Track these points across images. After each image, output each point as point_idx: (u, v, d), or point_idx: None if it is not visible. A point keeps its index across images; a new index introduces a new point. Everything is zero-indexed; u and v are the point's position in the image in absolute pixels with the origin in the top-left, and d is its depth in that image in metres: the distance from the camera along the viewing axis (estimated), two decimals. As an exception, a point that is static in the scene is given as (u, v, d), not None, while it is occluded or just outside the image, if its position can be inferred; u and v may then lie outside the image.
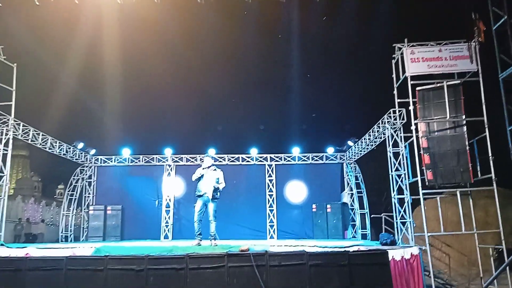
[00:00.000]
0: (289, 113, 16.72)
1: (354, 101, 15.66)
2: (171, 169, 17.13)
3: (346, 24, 12.56)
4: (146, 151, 17.24)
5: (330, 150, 17.05)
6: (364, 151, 15.39)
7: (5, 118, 12.13)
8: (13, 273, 7.64)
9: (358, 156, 16.21)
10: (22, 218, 22.52)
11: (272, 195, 16.90)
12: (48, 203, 28.14)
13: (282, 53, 14.72)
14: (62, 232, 17.01)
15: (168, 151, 16.98)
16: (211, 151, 16.62)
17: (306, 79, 15.42)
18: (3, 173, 12.04)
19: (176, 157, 17.21)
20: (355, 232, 16.48)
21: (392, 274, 8.16)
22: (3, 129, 12.13)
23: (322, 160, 17.31)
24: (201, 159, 15.68)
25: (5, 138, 12.22)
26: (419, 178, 10.64)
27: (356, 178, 16.70)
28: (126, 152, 17.09)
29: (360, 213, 16.46)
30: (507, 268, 9.81)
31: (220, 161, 16.96)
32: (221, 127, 17.69)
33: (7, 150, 12.29)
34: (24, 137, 13.33)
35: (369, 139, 14.07)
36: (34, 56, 13.44)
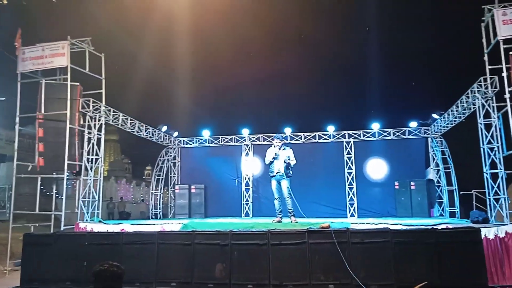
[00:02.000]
0: (367, 87, 16.11)
1: (439, 70, 14.61)
2: (248, 149, 17.47)
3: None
4: (224, 132, 17.78)
5: (413, 124, 16.16)
6: (452, 124, 14.38)
7: (97, 105, 13.11)
8: (111, 247, 8.33)
9: (444, 129, 15.20)
10: (115, 197, 24.47)
11: (351, 172, 16.54)
12: (138, 183, 30.30)
13: (357, 29, 14.15)
14: (151, 210, 18.24)
15: (245, 131, 17.33)
16: (287, 130, 16.66)
17: (384, 49, 14.67)
18: (98, 155, 13.11)
19: (253, 137, 17.48)
20: (442, 210, 15.63)
21: (485, 254, 7.62)
22: (96, 116, 13.15)
23: (405, 135, 16.49)
24: (271, 139, 15.79)
25: (98, 124, 13.26)
26: (515, 150, 9.75)
27: (443, 153, 15.73)
28: (206, 134, 17.75)
29: (448, 190, 15.54)
30: None
31: (297, 140, 16.94)
32: (296, 105, 17.59)
33: (100, 135, 13.35)
34: (115, 122, 14.33)
35: (456, 110, 13.09)
36: (119, 45, 14.30)
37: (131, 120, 15.13)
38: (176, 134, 17.85)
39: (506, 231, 9.02)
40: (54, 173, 12.46)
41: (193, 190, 16.48)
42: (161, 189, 18.43)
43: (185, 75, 16.33)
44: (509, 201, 10.31)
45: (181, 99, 17.41)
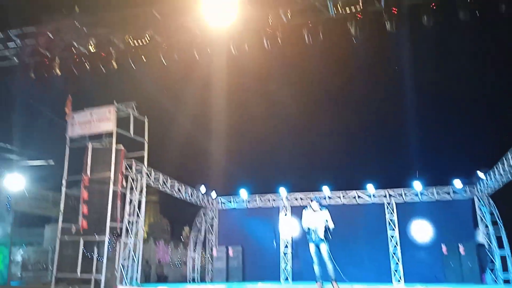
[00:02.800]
0: (407, 143, 15.81)
1: (483, 124, 14.17)
2: (286, 209, 17.24)
3: (469, 46, 11.67)
4: (262, 190, 17.75)
5: (457, 183, 15.48)
6: (499, 184, 13.69)
7: (139, 167, 13.51)
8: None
9: (492, 189, 14.48)
10: (152, 259, 24.36)
11: (394, 235, 15.84)
12: (176, 245, 30.10)
13: (394, 85, 14.22)
14: (189, 273, 17.98)
15: (282, 191, 17.18)
16: (325, 189, 16.41)
17: (424, 104, 14.51)
18: (139, 217, 13.30)
19: (291, 196, 17.30)
20: (496, 276, 14.49)
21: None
22: (138, 177, 13.52)
23: (449, 195, 15.80)
24: (310, 199, 15.53)
25: (139, 185, 13.58)
26: None
27: (492, 214, 14.88)
28: (243, 193, 17.73)
29: (500, 255, 14.50)
30: None
31: (336, 200, 16.61)
32: (334, 162, 17.45)
33: (141, 197, 13.62)
34: (155, 183, 14.65)
35: (503, 169, 12.52)
36: (161, 109, 14.96)
37: (171, 181, 15.43)
38: (214, 194, 17.94)
39: None
40: (96, 235, 12.65)
41: (230, 253, 16.26)
42: (198, 251, 18.26)
43: (222, 135, 16.77)
44: None
45: (219, 159, 17.73)
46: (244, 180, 17.94)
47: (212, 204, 18.37)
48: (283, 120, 15.91)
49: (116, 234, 13.34)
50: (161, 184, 14.88)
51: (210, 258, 17.77)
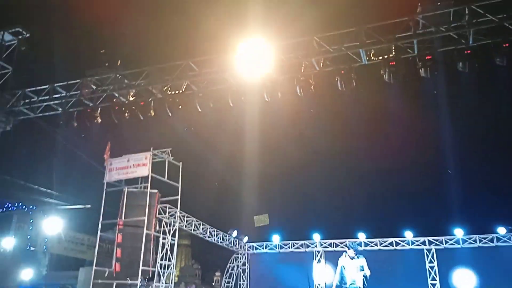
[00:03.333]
0: (447, 190, 15.32)
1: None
2: (320, 255, 16.78)
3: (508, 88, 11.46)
4: (295, 237, 17.42)
5: (501, 230, 14.75)
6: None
7: (173, 211, 13.64)
8: None
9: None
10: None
11: (436, 284, 15.07)
12: (207, 291, 29.62)
13: (434, 131, 14.01)
14: (221, 320, 17.57)
15: (316, 237, 16.83)
16: (361, 236, 15.95)
17: (465, 150, 14.18)
18: (170, 261, 13.27)
19: (325, 242, 16.88)
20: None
21: None
22: (171, 221, 13.62)
23: (493, 243, 15.00)
24: (346, 245, 15.10)
25: (172, 229, 13.66)
26: None
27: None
28: (276, 239, 17.45)
29: None
30: None
31: (372, 246, 16.07)
32: (370, 208, 17.04)
33: (174, 240, 13.66)
34: (188, 227, 14.68)
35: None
36: (195, 155, 15.25)
37: (203, 225, 15.43)
38: (246, 239, 17.74)
39: None
40: (128, 279, 12.69)
41: (263, 301, 15.81)
42: (231, 297, 17.89)
43: (255, 181, 16.78)
44: None
45: (252, 204, 17.65)
46: (277, 226, 17.73)
47: (244, 248, 18.12)
48: (317, 166, 15.90)
49: (148, 278, 13.35)
50: (194, 228, 14.88)
51: (243, 306, 17.32)
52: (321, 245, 16.88)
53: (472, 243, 15.15)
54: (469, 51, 8.34)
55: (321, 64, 9.44)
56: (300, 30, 9.25)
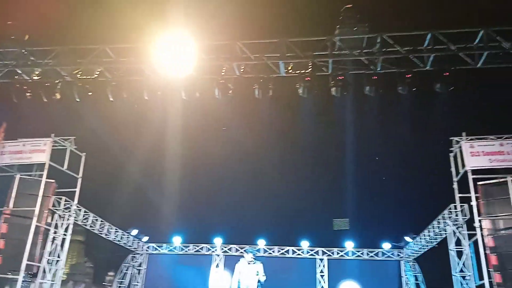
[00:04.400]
0: (343, 206, 16.34)
1: (412, 194, 15.09)
2: (220, 260, 16.85)
3: (402, 117, 12.59)
4: (196, 240, 17.24)
5: (387, 245, 16.12)
6: (424, 249, 14.43)
7: (69, 204, 12.78)
8: None
9: (417, 253, 15.19)
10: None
11: (324, 290, 15.96)
12: (97, 291, 28.05)
13: (336, 144, 14.89)
14: (108, 321, 16.74)
15: (217, 241, 16.85)
16: (261, 242, 16.35)
17: (361, 171, 15.29)
18: (60, 258, 12.39)
19: (225, 247, 16.99)
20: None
21: None
22: (65, 215, 12.73)
23: (378, 257, 16.34)
24: (244, 250, 15.38)
25: (66, 223, 12.78)
26: (486, 280, 9.72)
27: (416, 278, 15.51)
28: (177, 240, 17.15)
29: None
30: None
31: (270, 253, 16.54)
32: (272, 217, 17.51)
33: (66, 235, 12.78)
34: (84, 222, 13.84)
35: (429, 235, 13.25)
36: (102, 147, 14.45)
37: (101, 221, 14.65)
38: (146, 239, 17.19)
39: None
40: (9, 273, 11.57)
41: (156, 302, 15.38)
42: (121, 298, 17.14)
43: (163, 180, 16.32)
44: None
45: (155, 205, 17.11)
46: (179, 228, 17.39)
47: (142, 248, 17.54)
48: (225, 171, 15.90)
49: (32, 274, 12.34)
50: (90, 223, 14.08)
51: (134, 307, 16.68)
52: (222, 249, 16.96)
53: (360, 256, 16.35)
54: (376, 77, 9.07)
55: (242, 69, 9.61)
56: (225, 34, 9.33)
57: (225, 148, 15.13)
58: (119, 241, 16.01)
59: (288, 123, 14.01)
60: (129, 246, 16.81)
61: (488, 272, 9.74)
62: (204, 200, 16.88)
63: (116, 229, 15.60)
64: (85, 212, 13.62)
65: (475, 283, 10.41)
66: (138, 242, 17.22)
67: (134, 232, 16.25)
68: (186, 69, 8.98)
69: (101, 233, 14.95)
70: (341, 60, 9.22)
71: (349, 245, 16.29)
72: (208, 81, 9.66)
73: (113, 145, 15.01)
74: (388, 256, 16.32)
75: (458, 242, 11.21)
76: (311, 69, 9.37)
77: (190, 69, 9.08)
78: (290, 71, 9.59)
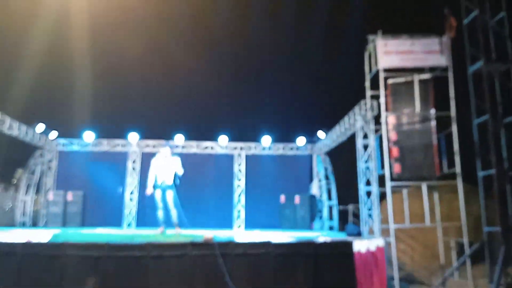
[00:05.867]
0: (261, 101, 16.46)
1: (326, 91, 15.54)
2: (136, 156, 16.57)
3: (319, 14, 12.36)
4: (110, 135, 16.57)
5: (301, 141, 16.87)
6: (335, 143, 15.34)
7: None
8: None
9: (328, 148, 16.16)
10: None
11: (241, 185, 16.67)
12: (5, 188, 26.80)
13: (254, 40, 14.46)
14: (20, 217, 16.21)
15: (133, 136, 16.35)
16: (179, 137, 16.18)
17: (279, 67, 15.20)
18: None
19: (142, 143, 16.65)
20: (322, 223, 16.51)
21: (356, 265, 8.12)
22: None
23: (293, 151, 17.17)
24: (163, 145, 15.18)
25: (-44, 116, 11.44)
26: (387, 170, 10.66)
27: (326, 170, 16.69)
28: (89, 136, 16.35)
29: (328, 205, 16.49)
30: (468, 260, 10.01)
31: (188, 149, 16.58)
32: (190, 112, 17.22)
33: (-42, 129, 11.52)
34: (-22, 116, 12.51)
35: (340, 130, 14.01)
36: (8, 31, 12.64)
37: (1, 115, 13.34)
38: (53, 134, 16.14)
39: (376, 245, 9.74)
40: None
41: (69, 198, 14.98)
42: (32, 195, 16.51)
43: (70, 68, 14.92)
44: (381, 217, 11.19)
45: (62, 95, 15.81)
46: (91, 123, 16.43)
47: (51, 145, 16.58)
48: (135, 64, 14.85)
49: None
50: (-13, 117, 12.77)
51: (45, 203, 16.20)
52: (138, 145, 16.61)
53: (276, 150, 17.03)
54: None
55: None
56: None
57: (138, 38, 14.04)
58: (24, 137, 14.89)
59: (200, 15, 13.14)
60: (36, 142, 15.77)
61: (390, 163, 10.65)
62: (118, 92, 15.93)
63: (20, 124, 14.39)
64: (-22, 104, 12.22)
65: (378, 173, 11.37)
66: (46, 138, 16.20)
67: (41, 127, 15.14)
68: None
69: (2, 128, 13.70)
70: None
71: (266, 140, 16.79)
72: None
73: (10, 26, 13.18)
74: (302, 151, 17.20)
75: (365, 137, 11.95)
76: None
77: None
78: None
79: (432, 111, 10.77)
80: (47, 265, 7.26)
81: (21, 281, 7.06)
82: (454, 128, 10.58)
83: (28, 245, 7.50)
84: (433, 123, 10.73)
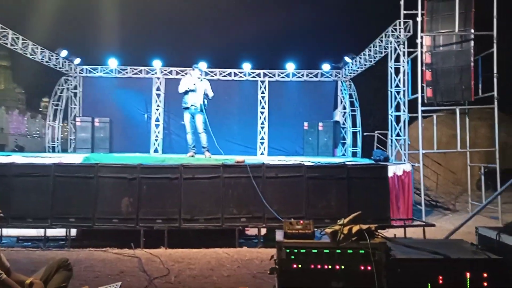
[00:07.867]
0: (284, 26, 15.79)
1: (354, 13, 14.72)
2: (160, 82, 16.46)
3: None
4: (134, 63, 16.41)
5: (326, 67, 16.38)
6: (362, 68, 14.83)
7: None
8: (-2, 179, 7.37)
9: (354, 73, 15.68)
10: (6, 130, 22.04)
11: (264, 112, 16.57)
12: (33, 116, 27.47)
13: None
14: (48, 143, 16.66)
15: (157, 63, 16.16)
16: (203, 65, 15.88)
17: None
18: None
19: (165, 70, 16.46)
20: (345, 150, 16.51)
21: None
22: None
23: (317, 78, 16.74)
24: (186, 73, 14.96)
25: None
26: (419, 95, 10.31)
27: (351, 96, 16.36)
28: (113, 63, 16.21)
29: (352, 132, 16.37)
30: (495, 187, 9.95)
31: (212, 76, 16.34)
32: (213, 39, 16.76)
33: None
34: (3, 40, 12.39)
35: (369, 54, 13.45)
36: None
37: (23, 40, 13.20)
38: (78, 61, 16.04)
39: (404, 169, 9.73)
40: None
41: (96, 124, 15.11)
42: (59, 121, 16.79)
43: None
44: (409, 142, 11.05)
45: (86, 21, 15.45)
46: (115, 50, 16.20)
47: (75, 71, 16.53)
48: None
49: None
50: (10, 42, 12.65)
51: (73, 129, 16.49)
52: (162, 72, 16.43)
53: (300, 77, 16.64)
54: None
55: None
56: None
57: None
58: (47, 62, 14.82)
59: None
60: (60, 68, 15.72)
61: (422, 87, 10.27)
62: (142, 19, 15.48)
63: (42, 48, 14.27)
64: (2, 28, 12.06)
65: (408, 97, 11.05)
66: (70, 64, 16.11)
67: (64, 53, 14.99)
68: None
69: (25, 53, 13.62)
70: None
71: (290, 66, 16.36)
72: None
73: None
74: (327, 77, 16.75)
75: (397, 59, 11.47)
76: None
77: None
78: None
79: (472, 31, 10.12)
80: (81, 185, 7.43)
81: (56, 201, 7.24)
82: (494, 49, 9.99)
83: (60, 166, 7.66)
84: (472, 43, 10.13)
